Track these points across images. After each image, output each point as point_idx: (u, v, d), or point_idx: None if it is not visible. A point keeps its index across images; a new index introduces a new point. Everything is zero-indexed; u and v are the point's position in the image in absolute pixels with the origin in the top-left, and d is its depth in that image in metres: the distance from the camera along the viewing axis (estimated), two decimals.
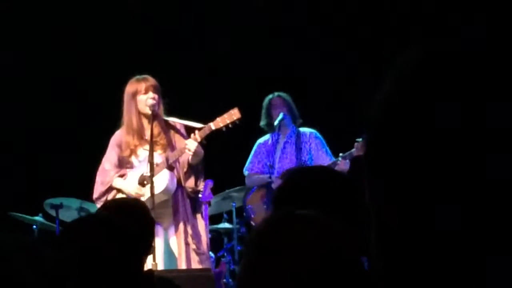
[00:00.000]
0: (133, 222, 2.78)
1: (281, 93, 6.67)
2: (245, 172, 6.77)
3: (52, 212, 6.86)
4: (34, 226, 6.99)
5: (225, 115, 5.46)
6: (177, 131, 5.64)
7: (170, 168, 5.51)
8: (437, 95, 0.79)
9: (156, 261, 5.07)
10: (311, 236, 1.46)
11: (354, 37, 7.81)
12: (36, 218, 6.97)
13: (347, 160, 6.38)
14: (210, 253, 6.27)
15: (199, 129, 5.45)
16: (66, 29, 8.21)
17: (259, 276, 1.45)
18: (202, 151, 5.52)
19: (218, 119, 5.46)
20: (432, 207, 0.78)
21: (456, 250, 0.77)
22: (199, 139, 5.40)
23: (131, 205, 3.43)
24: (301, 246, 1.44)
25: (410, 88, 0.82)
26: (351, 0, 7.96)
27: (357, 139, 6.36)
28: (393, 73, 0.85)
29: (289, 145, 6.69)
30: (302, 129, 6.71)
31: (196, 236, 5.51)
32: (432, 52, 0.83)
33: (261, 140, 6.73)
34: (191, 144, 5.39)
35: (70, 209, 6.81)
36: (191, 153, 5.39)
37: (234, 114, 5.45)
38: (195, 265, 5.44)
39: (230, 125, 5.44)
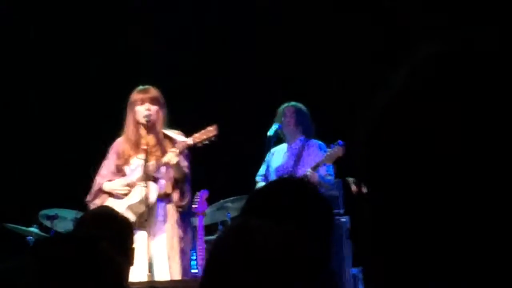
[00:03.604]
0: (111, 234, 2.80)
1: (296, 103, 6.65)
2: (256, 179, 6.82)
3: (47, 223, 6.86)
4: (29, 237, 6.98)
5: (203, 131, 5.62)
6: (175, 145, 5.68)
7: (155, 179, 5.60)
8: (436, 113, 0.78)
9: (138, 268, 5.08)
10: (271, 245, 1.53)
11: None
12: (31, 229, 6.95)
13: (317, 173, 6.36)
14: None
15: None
16: (66, 41, 8.24)
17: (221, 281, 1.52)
18: (181, 166, 5.59)
19: (196, 134, 5.63)
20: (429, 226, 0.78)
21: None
22: (177, 152, 5.54)
23: (107, 217, 3.43)
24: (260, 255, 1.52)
25: (408, 100, 0.80)
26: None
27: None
28: (391, 83, 0.83)
29: (291, 156, 6.68)
30: (310, 140, 6.69)
31: (183, 250, 5.58)
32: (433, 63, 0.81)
33: (274, 148, 6.72)
34: (172, 157, 5.50)
35: (65, 220, 6.81)
36: (171, 163, 5.51)
37: (210, 131, 5.61)
38: (177, 277, 5.52)
39: (206, 141, 5.59)
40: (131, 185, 5.61)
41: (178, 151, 5.54)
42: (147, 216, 5.43)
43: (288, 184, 2.26)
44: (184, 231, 5.68)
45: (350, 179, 6.17)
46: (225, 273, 1.52)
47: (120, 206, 5.51)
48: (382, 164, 0.81)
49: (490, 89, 0.77)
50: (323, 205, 2.18)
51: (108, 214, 3.56)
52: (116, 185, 5.66)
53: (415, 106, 0.80)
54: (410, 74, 0.82)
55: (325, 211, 2.19)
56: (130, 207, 5.55)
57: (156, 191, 5.58)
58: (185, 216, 5.75)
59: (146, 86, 5.70)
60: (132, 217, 5.48)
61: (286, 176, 6.16)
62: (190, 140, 5.58)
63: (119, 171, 5.71)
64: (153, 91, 5.66)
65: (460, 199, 0.76)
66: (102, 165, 5.78)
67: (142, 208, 5.47)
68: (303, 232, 1.66)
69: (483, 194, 0.75)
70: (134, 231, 5.40)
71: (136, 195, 5.54)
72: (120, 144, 5.73)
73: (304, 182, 2.41)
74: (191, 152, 5.67)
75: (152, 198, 5.55)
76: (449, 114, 0.77)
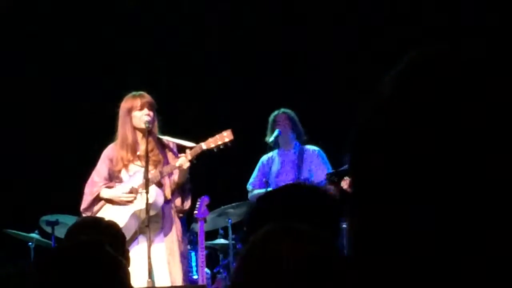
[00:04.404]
0: (104, 239, 2.83)
1: (286, 110, 6.70)
2: (249, 187, 6.82)
3: (48, 229, 6.84)
4: (30, 243, 6.98)
5: (217, 136, 5.53)
6: (170, 149, 5.68)
7: (159, 184, 5.56)
8: (436, 102, 0.78)
9: (136, 274, 5.06)
10: (308, 250, 1.54)
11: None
12: (32, 235, 6.96)
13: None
14: (206, 269, 6.29)
15: (190, 148, 5.51)
16: (62, 49, 8.25)
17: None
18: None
19: (210, 139, 5.54)
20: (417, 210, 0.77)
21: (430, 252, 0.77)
22: (189, 158, 5.46)
23: (98, 223, 3.44)
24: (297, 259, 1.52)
25: (408, 94, 0.80)
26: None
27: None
28: (390, 79, 0.84)
29: (289, 162, 6.70)
30: (306, 146, 6.72)
31: (183, 255, 5.57)
32: (431, 59, 0.82)
33: (265, 156, 6.75)
34: (185, 162, 5.45)
35: (66, 226, 6.73)
36: (184, 167, 5.45)
37: (226, 136, 5.52)
38: (179, 282, 5.49)
39: (221, 146, 5.51)
40: (134, 192, 5.56)
41: (189, 157, 5.48)
42: (147, 222, 5.37)
43: (304, 188, 2.29)
44: (183, 235, 5.67)
45: (328, 174, 6.19)
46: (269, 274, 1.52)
47: (123, 213, 5.47)
48: (372, 168, 0.81)
49: (481, 92, 0.78)
50: (336, 208, 2.22)
51: (98, 220, 3.59)
52: (119, 192, 5.61)
53: (404, 109, 0.80)
54: (400, 78, 0.83)
55: (338, 214, 2.22)
56: (135, 214, 5.49)
57: (162, 196, 5.55)
58: (183, 220, 5.73)
59: (140, 92, 5.63)
60: (136, 224, 5.46)
61: (293, 182, 6.20)
62: (203, 145, 5.52)
63: (115, 177, 5.63)
64: (149, 96, 5.61)
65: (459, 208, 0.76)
66: (92, 173, 5.68)
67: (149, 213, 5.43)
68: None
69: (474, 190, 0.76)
70: (137, 237, 5.42)
71: (142, 201, 5.47)
72: (113, 150, 5.64)
73: (317, 187, 2.45)
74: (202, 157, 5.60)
75: (160, 203, 5.52)
76: (438, 117, 0.78)
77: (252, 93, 7.89)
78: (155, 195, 5.48)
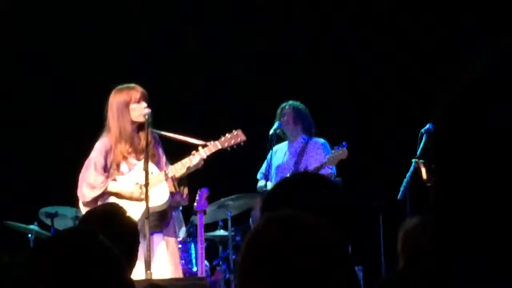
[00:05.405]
0: (115, 232, 2.83)
1: (294, 102, 6.69)
2: (258, 177, 6.83)
3: (48, 221, 6.86)
4: (29, 235, 6.99)
5: (229, 136, 5.53)
6: (158, 143, 5.62)
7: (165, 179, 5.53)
8: None
9: (137, 266, 5.01)
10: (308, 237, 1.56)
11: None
12: (31, 226, 6.96)
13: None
14: (205, 261, 6.28)
15: (202, 146, 5.48)
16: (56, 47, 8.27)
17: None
18: None
19: (222, 138, 5.53)
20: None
21: None
22: (204, 156, 5.45)
23: (113, 214, 3.40)
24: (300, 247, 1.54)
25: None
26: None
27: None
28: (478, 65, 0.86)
29: (291, 155, 6.70)
30: (312, 139, 6.70)
31: (177, 247, 5.57)
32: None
33: (274, 148, 6.72)
34: (200, 161, 5.45)
35: (65, 218, 6.82)
36: (199, 166, 5.45)
37: (239, 136, 5.53)
38: (179, 274, 5.49)
39: (234, 146, 5.51)
40: (141, 187, 5.46)
41: (204, 155, 5.45)
42: (147, 214, 5.30)
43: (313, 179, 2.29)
44: (176, 228, 5.67)
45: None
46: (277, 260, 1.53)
47: (135, 208, 5.34)
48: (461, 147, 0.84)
49: None
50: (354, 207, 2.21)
51: (116, 211, 3.54)
52: (131, 187, 5.47)
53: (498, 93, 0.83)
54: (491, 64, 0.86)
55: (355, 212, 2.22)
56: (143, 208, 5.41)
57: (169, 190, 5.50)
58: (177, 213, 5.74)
59: (133, 84, 5.55)
60: (143, 219, 5.37)
61: (292, 174, 6.18)
62: (218, 144, 5.51)
63: (113, 170, 5.52)
64: (142, 88, 5.52)
65: None
66: (87, 164, 5.53)
67: (158, 209, 5.40)
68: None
69: None
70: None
71: (151, 198, 5.37)
72: (109, 142, 5.53)
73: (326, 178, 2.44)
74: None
75: (169, 201, 5.48)
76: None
77: (251, 90, 7.92)
78: (169, 194, 5.46)
